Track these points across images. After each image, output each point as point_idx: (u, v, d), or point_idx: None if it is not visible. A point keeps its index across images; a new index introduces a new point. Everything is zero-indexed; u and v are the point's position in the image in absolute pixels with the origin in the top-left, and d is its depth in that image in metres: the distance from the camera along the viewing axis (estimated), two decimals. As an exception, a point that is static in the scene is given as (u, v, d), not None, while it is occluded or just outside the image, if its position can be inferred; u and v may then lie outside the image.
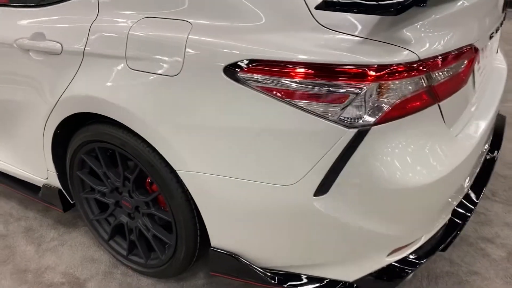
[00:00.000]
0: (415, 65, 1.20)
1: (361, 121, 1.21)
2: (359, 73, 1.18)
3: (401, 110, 1.23)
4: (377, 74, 1.17)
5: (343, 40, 1.21)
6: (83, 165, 1.87)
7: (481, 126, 1.59)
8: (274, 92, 1.25)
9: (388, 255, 1.42)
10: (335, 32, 1.22)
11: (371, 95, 1.19)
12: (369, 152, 1.24)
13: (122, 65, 1.50)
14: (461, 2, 1.38)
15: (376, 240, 1.36)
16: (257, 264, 1.55)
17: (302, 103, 1.23)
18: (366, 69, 1.17)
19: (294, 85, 1.22)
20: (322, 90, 1.21)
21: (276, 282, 1.52)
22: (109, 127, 1.63)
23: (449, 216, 1.59)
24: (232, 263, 1.56)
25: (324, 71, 1.20)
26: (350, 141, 1.22)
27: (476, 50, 1.44)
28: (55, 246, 2.16)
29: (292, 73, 1.22)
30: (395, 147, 1.26)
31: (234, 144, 1.36)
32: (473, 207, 1.63)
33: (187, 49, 1.35)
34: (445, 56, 1.27)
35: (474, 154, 1.52)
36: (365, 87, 1.18)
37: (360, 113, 1.21)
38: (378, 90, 1.19)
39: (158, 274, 1.87)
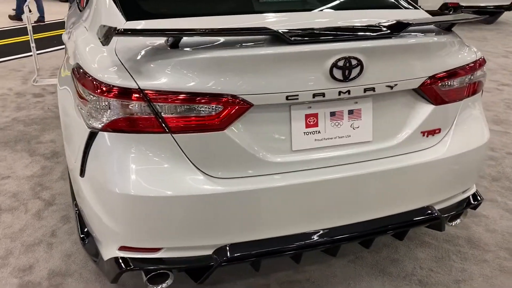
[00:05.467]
0: (132, 92, 1.55)
1: (94, 124, 1.63)
2: (92, 85, 1.61)
3: (125, 126, 1.58)
4: (101, 90, 1.57)
5: (111, 60, 1.62)
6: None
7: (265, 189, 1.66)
8: (75, 90, 1.76)
9: (119, 249, 1.69)
10: (113, 54, 1.64)
11: (100, 106, 1.59)
12: (98, 152, 1.65)
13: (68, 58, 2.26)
14: (230, 51, 1.55)
15: (108, 231, 1.68)
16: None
17: (79, 100, 1.72)
18: (95, 83, 1.59)
19: (79, 86, 1.72)
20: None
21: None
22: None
23: (210, 252, 1.70)
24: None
25: (83, 77, 1.68)
26: (87, 138, 1.66)
27: (246, 103, 1.59)
28: (58, 210, 2.97)
29: (77, 77, 1.73)
30: (116, 154, 1.61)
31: (68, 132, 1.96)
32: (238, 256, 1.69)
33: (76, 52, 1.98)
34: (174, 94, 1.54)
35: (236, 201, 1.65)
36: (93, 97, 1.61)
37: (94, 117, 1.63)
38: (106, 103, 1.58)
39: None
